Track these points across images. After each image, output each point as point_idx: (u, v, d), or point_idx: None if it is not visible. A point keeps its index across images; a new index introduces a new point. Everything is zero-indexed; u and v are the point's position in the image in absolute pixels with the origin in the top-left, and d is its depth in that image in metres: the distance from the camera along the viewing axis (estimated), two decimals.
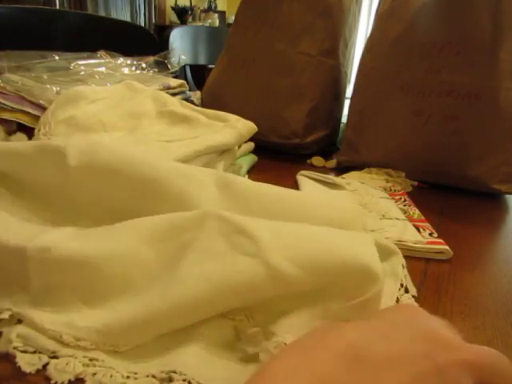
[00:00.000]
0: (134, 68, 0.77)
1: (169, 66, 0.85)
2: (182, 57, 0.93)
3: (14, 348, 0.25)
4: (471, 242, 0.48)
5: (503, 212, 0.61)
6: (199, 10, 4.21)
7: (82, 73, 0.67)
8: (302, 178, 0.60)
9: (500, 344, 0.31)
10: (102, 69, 0.71)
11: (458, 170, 0.63)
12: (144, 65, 0.80)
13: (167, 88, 0.75)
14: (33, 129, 0.54)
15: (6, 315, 0.26)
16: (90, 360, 0.25)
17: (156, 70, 0.82)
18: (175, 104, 0.61)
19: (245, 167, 0.60)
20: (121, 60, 0.77)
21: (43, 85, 0.58)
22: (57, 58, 0.70)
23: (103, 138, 0.50)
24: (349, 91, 0.75)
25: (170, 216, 0.30)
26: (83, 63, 0.70)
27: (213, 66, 0.87)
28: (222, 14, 4.35)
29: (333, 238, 0.29)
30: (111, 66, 0.74)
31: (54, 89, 0.58)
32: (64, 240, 0.29)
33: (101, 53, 0.78)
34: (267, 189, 0.37)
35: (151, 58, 0.84)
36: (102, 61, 0.75)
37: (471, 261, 0.43)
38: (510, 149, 0.60)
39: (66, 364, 0.24)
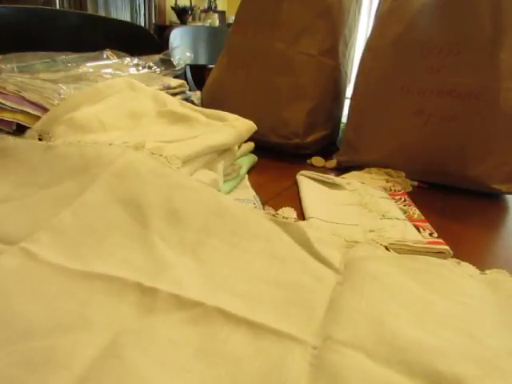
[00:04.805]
0: (140, 68, 0.77)
1: (174, 64, 0.84)
2: (187, 54, 0.93)
3: None
4: (471, 242, 0.48)
5: (503, 212, 0.61)
6: (199, 10, 4.21)
7: (89, 73, 0.67)
8: (302, 178, 0.60)
9: None
10: (109, 70, 0.71)
11: (458, 170, 0.63)
12: (151, 63, 0.80)
13: (167, 88, 0.74)
14: None
15: None
16: None
17: (162, 68, 0.82)
18: (175, 104, 0.61)
19: (245, 167, 0.60)
20: (127, 60, 0.77)
21: (46, 85, 0.58)
22: (63, 56, 0.70)
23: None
24: (349, 91, 0.75)
25: None
26: (91, 65, 0.70)
27: (213, 66, 0.86)
28: (222, 14, 4.35)
29: None
30: (118, 67, 0.73)
31: (58, 89, 0.58)
32: None
33: (107, 52, 0.78)
34: None
35: (156, 57, 0.83)
36: (109, 62, 0.75)
37: (471, 261, 0.42)
38: (510, 149, 0.60)
39: None
